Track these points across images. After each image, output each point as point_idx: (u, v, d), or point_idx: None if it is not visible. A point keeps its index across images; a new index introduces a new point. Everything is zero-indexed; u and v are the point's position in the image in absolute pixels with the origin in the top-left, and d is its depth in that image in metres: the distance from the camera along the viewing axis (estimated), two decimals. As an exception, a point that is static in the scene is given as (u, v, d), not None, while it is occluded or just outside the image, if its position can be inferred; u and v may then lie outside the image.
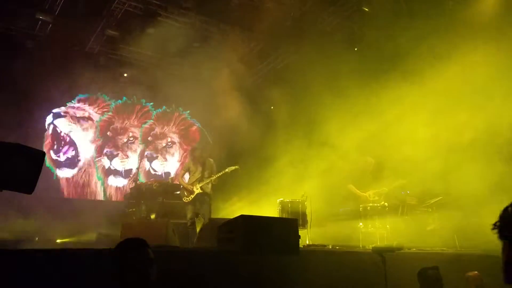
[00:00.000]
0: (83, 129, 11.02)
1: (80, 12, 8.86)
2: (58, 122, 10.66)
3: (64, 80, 9.88)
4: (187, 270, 3.83)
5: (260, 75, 11.34)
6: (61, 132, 10.71)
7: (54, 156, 10.52)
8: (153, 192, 7.93)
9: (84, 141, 11.01)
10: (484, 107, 7.05)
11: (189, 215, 7.78)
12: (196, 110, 12.32)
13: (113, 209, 9.51)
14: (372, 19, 8.58)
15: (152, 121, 12.05)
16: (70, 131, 10.86)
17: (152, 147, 11.88)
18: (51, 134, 10.56)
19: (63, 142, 10.73)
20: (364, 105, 8.70)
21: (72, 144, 10.84)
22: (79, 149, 10.91)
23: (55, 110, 10.63)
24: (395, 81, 7.98)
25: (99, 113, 11.30)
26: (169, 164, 12.06)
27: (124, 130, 11.63)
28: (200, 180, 7.90)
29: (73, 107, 10.92)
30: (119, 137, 11.53)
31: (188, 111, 12.58)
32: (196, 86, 11.73)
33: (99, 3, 8.87)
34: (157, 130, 12.11)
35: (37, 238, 8.01)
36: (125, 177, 11.33)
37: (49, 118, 10.55)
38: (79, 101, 10.99)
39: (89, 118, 11.13)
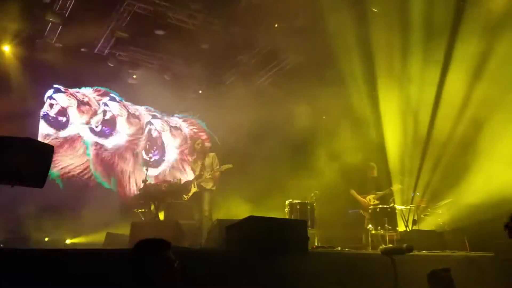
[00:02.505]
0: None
1: (89, 14, 8.91)
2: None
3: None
4: (195, 271, 3.83)
5: (268, 76, 11.33)
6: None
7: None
8: (162, 193, 7.94)
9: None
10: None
11: (196, 216, 7.76)
12: (205, 113, 12.30)
13: (122, 209, 9.57)
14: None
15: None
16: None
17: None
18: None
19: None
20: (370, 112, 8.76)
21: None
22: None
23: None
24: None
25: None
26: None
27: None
28: (198, 177, 7.88)
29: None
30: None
31: (198, 115, 12.55)
32: (203, 87, 11.79)
33: (108, 5, 8.92)
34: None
35: (46, 238, 8.08)
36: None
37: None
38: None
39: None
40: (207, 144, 8.44)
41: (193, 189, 7.75)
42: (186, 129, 12.33)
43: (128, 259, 2.38)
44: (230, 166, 7.83)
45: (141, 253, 2.39)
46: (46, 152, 3.86)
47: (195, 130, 12.38)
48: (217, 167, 7.81)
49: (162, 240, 2.45)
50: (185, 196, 7.84)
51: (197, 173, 7.92)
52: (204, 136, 12.06)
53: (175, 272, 2.36)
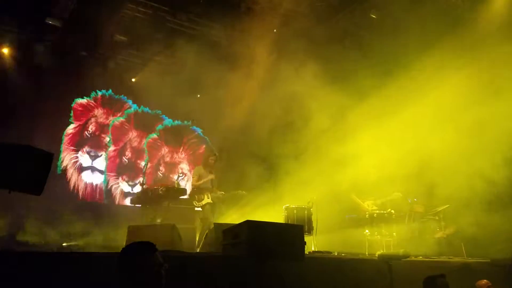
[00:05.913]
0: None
1: (89, 17, 8.91)
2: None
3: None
4: (192, 275, 3.83)
5: (266, 82, 11.32)
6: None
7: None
8: (159, 197, 7.94)
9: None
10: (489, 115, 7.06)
11: (196, 221, 7.81)
12: (202, 118, 12.27)
13: (119, 213, 9.54)
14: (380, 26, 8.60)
15: (155, 135, 11.97)
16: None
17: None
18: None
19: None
20: (366, 116, 8.76)
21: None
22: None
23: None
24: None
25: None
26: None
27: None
28: (210, 190, 8.04)
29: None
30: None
31: (191, 121, 12.44)
32: (201, 92, 11.78)
33: (108, 8, 8.92)
34: (168, 158, 12.06)
35: (43, 241, 8.05)
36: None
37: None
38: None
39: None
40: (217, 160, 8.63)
41: (207, 200, 7.89)
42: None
43: (117, 262, 2.41)
44: (244, 193, 8.50)
45: (126, 256, 2.42)
46: (45, 159, 3.87)
47: (194, 140, 12.50)
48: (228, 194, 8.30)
49: (148, 242, 2.48)
50: (197, 202, 7.94)
51: (207, 183, 8.14)
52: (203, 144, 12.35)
53: (160, 275, 2.38)
